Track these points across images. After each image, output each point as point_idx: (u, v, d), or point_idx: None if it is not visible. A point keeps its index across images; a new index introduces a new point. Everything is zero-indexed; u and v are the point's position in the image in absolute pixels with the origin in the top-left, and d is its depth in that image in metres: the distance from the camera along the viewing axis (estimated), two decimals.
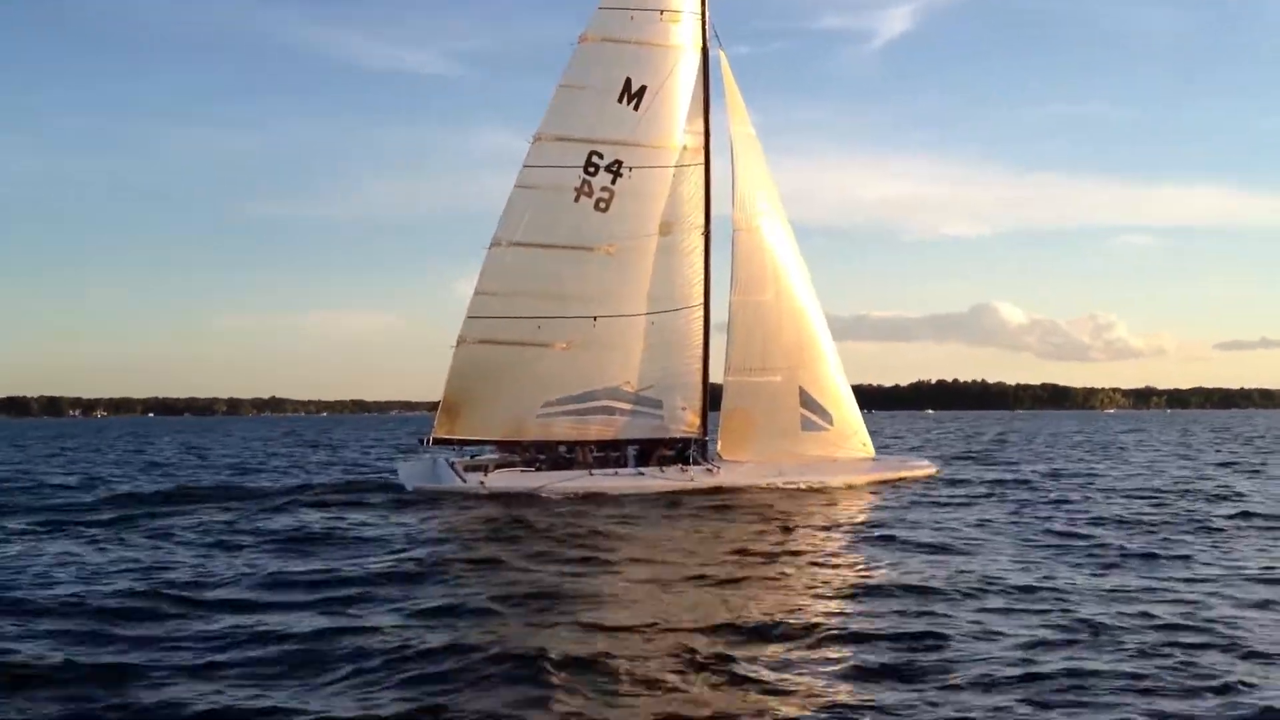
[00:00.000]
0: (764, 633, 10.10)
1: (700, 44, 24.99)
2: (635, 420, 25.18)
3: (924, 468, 28.62)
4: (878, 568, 14.20)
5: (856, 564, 14.66)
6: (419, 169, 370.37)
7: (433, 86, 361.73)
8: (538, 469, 24.84)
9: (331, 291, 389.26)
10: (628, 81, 24.03)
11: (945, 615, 10.82)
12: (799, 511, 20.87)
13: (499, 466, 24.94)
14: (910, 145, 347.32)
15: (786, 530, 18.20)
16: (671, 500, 22.67)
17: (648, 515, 20.34)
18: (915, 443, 55.44)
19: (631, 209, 24.32)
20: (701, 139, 25.00)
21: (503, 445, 25.35)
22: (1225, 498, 23.67)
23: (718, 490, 24.02)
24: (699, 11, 24.90)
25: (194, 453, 49.99)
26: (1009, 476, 30.03)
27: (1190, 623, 10.49)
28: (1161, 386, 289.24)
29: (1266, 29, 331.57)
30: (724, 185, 25.45)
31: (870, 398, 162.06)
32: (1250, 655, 9.27)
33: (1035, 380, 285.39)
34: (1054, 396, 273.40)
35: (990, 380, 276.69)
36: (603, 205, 24.07)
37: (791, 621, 10.45)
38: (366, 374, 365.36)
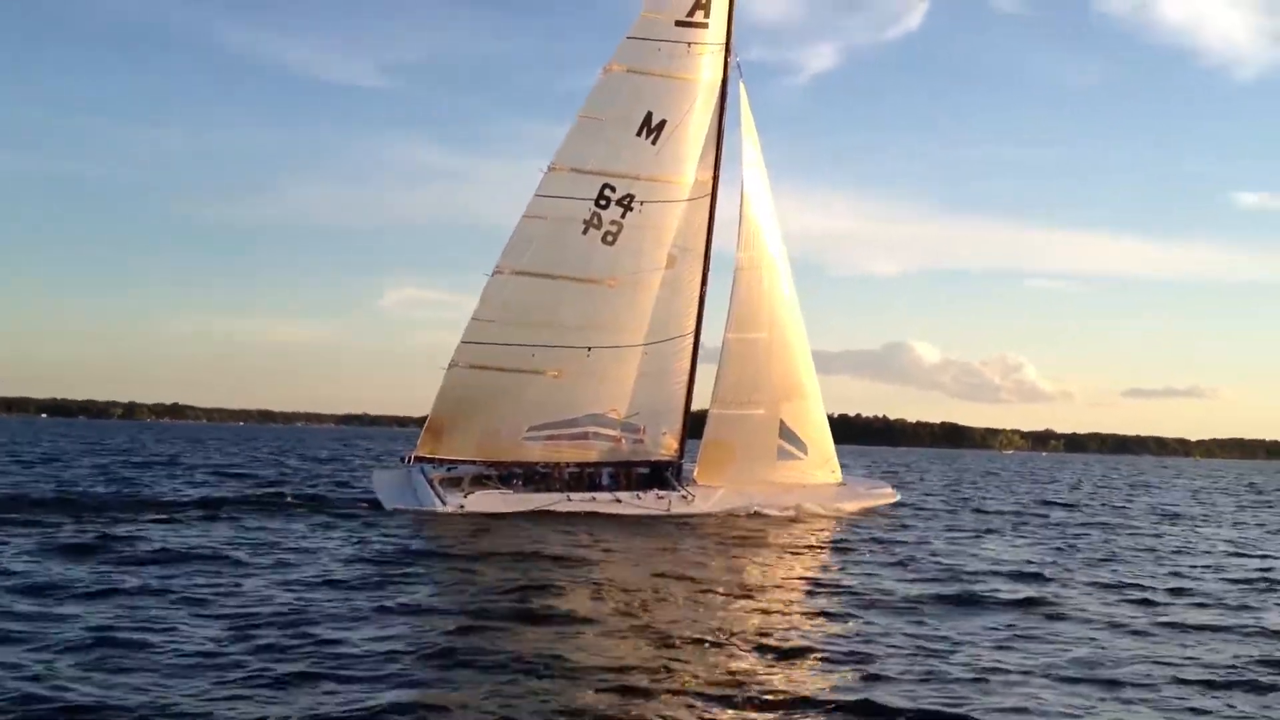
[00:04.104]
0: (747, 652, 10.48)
1: (721, 76, 24.26)
2: (616, 445, 25.10)
3: (888, 495, 29.36)
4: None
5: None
6: (341, 179, 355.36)
7: (362, 97, 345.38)
8: (514, 484, 24.73)
9: (244, 298, 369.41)
10: (648, 115, 23.27)
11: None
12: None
13: (474, 479, 24.71)
14: (833, 182, 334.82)
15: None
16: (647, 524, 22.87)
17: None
18: None
19: (638, 243, 23.78)
20: (711, 171, 24.49)
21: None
22: None
23: (693, 517, 24.30)
24: (724, 42, 24.11)
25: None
26: None
27: None
28: (1062, 430, 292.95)
29: (1184, 81, 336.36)
30: (724, 214, 25.21)
31: None
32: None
33: (941, 419, 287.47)
34: (952, 435, 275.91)
35: (893, 417, 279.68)
36: (610, 239, 23.47)
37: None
38: (276, 384, 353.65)
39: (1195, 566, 19.14)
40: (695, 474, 25.65)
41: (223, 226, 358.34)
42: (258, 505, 24.25)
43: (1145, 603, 14.55)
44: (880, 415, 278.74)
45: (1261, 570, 18.90)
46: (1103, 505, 38.14)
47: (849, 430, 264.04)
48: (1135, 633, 12.26)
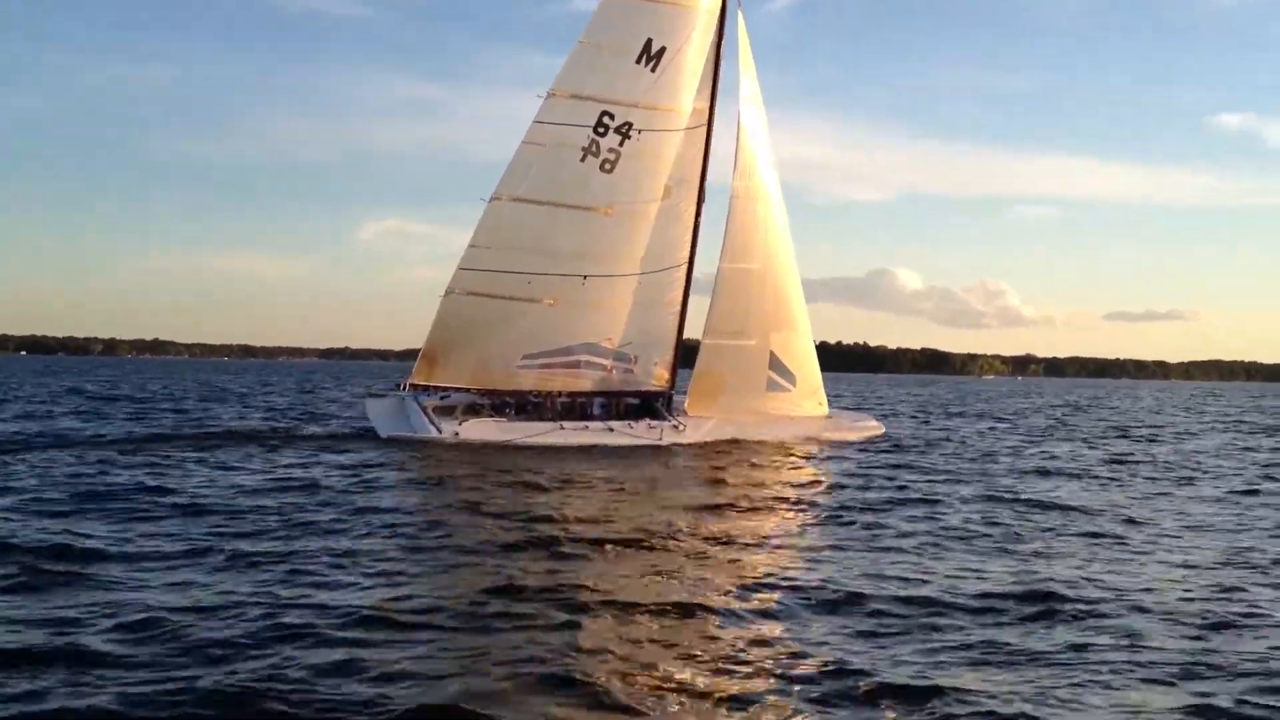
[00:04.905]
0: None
1: (720, 2, 24.07)
2: (608, 375, 25.31)
3: (874, 428, 29.70)
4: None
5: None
6: (319, 112, 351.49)
7: (339, 27, 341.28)
8: (506, 413, 24.94)
9: (224, 233, 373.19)
10: (648, 42, 23.06)
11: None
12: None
13: (468, 408, 24.91)
14: (814, 108, 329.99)
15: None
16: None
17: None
18: None
19: (636, 172, 23.73)
20: (709, 100, 24.40)
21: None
22: None
23: (683, 446, 24.59)
24: None
25: None
26: None
27: None
28: (1043, 355, 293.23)
29: (1171, 4, 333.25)
30: (719, 145, 25.13)
31: None
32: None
33: (922, 345, 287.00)
34: (933, 361, 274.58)
35: (874, 344, 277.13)
36: (608, 167, 23.39)
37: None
38: (257, 318, 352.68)
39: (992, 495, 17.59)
40: (686, 405, 25.93)
41: (200, 161, 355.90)
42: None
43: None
44: (862, 342, 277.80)
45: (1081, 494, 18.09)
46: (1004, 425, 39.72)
47: (830, 357, 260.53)
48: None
